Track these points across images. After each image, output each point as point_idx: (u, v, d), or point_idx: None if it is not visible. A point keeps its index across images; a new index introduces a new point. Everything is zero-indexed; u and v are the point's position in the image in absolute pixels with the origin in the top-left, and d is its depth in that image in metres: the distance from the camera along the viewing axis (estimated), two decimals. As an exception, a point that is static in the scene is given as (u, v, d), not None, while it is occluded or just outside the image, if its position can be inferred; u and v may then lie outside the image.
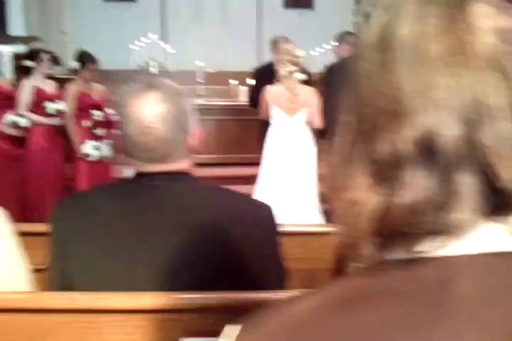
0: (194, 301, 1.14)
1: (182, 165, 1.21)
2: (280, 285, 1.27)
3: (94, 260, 1.15)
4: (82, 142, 4.72)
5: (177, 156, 1.18)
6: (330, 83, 4.34)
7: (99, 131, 4.75)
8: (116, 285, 1.14)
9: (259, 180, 4.28)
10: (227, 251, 1.15)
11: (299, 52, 4.12)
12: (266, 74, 5.01)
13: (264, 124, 4.43)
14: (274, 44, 5.07)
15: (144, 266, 1.13)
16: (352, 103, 0.47)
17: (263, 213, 1.21)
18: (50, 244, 1.23)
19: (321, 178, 0.52)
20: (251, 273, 1.18)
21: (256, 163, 4.94)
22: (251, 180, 4.83)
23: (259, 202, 1.25)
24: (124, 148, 1.19)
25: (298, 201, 4.05)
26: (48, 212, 4.35)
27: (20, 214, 4.33)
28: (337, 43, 4.50)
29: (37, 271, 1.45)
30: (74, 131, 4.73)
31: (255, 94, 4.93)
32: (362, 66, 0.47)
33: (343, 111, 0.47)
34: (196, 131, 1.23)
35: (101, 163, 4.85)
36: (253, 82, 5.38)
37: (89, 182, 4.79)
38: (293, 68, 4.08)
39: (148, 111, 1.14)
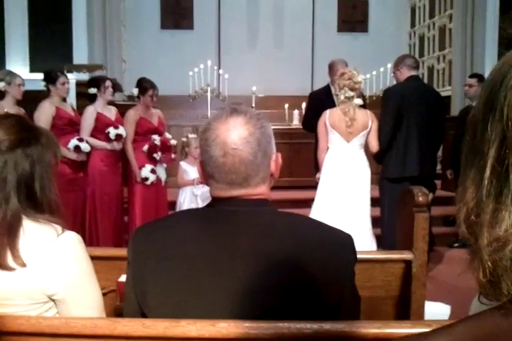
0: (270, 330, 1.12)
1: (260, 190, 1.20)
2: (355, 316, 1.24)
3: (171, 287, 1.15)
4: (141, 166, 4.83)
5: (257, 180, 1.19)
6: (388, 106, 4.29)
7: (157, 155, 4.86)
8: (192, 312, 1.14)
9: (315, 204, 4.26)
10: (304, 280, 1.14)
11: (360, 78, 4.11)
12: (321, 98, 5.01)
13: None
14: (332, 67, 5.06)
15: (221, 294, 1.13)
16: (497, 136, 0.45)
17: (343, 243, 1.19)
18: (127, 271, 1.24)
19: (459, 213, 0.49)
20: (328, 302, 1.15)
21: (307, 187, 4.92)
22: (301, 203, 4.80)
23: (339, 231, 1.22)
24: (206, 171, 1.20)
25: (352, 225, 4.00)
26: (107, 236, 4.43)
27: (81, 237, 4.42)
28: (396, 66, 4.45)
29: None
30: (133, 156, 4.85)
31: (310, 117, 4.93)
32: (509, 98, 0.45)
33: (485, 144, 0.46)
34: (277, 157, 1.24)
35: (155, 187, 4.94)
36: (308, 105, 5.37)
37: (144, 205, 4.89)
38: (352, 93, 4.07)
39: (235, 133, 1.16)
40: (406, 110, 4.22)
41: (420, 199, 1.94)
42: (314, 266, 1.14)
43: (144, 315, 1.21)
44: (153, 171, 4.85)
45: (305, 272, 1.14)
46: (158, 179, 4.92)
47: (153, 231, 1.23)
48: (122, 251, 2.19)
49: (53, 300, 1.33)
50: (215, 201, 1.22)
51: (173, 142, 5.06)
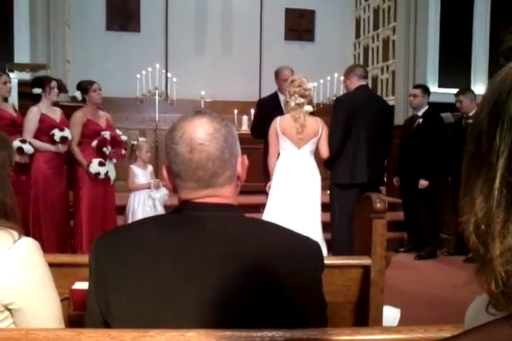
0: (242, 339, 1.09)
1: (227, 191, 1.19)
2: (324, 322, 1.24)
3: (138, 296, 1.11)
4: (89, 163, 4.72)
5: (224, 179, 1.17)
6: (338, 115, 4.37)
7: (106, 149, 4.75)
8: (160, 321, 1.10)
9: (267, 209, 4.26)
10: (274, 287, 1.12)
11: (310, 85, 4.16)
12: (270, 105, 5.03)
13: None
14: (278, 74, 5.10)
15: (190, 302, 1.09)
16: (506, 146, 0.45)
17: (311, 249, 1.19)
18: (89, 280, 1.18)
19: (467, 224, 0.49)
20: (297, 308, 1.14)
21: (256, 192, 4.93)
22: (251, 208, 4.80)
23: (306, 237, 1.22)
24: (172, 172, 1.18)
25: (303, 230, 4.02)
26: (51, 241, 4.25)
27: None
28: (346, 76, 4.54)
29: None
30: (80, 155, 4.73)
31: (259, 124, 4.95)
32: None
33: (494, 154, 0.45)
34: (243, 159, 1.23)
35: (103, 189, 4.83)
36: (256, 112, 5.39)
37: (90, 210, 4.76)
38: (302, 100, 4.11)
39: (201, 129, 1.15)
40: (356, 118, 4.31)
41: (378, 205, 1.97)
42: (284, 273, 1.13)
43: (107, 325, 1.15)
44: (101, 164, 4.73)
45: (275, 279, 1.12)
46: (107, 178, 4.79)
47: (117, 238, 1.18)
48: (75, 258, 2.12)
49: (9, 310, 1.25)
50: (183, 205, 1.19)
51: (124, 138, 4.97)
